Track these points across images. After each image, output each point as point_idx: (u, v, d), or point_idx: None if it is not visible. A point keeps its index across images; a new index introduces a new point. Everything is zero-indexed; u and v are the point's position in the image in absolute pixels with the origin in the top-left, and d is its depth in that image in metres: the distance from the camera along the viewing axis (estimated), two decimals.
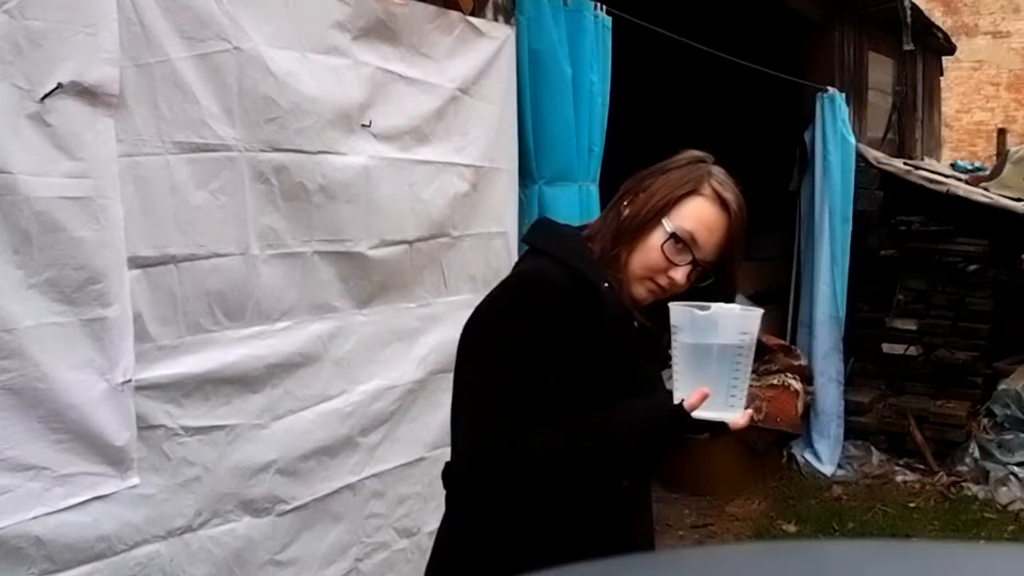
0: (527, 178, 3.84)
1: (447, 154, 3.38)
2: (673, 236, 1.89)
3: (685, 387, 1.78)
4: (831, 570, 0.83)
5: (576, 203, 3.97)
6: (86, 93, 2.25)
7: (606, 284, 1.87)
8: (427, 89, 3.28)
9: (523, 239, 2.02)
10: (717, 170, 1.97)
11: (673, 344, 1.79)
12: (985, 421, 6.39)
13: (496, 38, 3.60)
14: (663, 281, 1.90)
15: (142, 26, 2.40)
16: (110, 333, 2.32)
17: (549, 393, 1.81)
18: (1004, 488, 5.98)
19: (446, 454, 3.32)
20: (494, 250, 3.65)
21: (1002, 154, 9.18)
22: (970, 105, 16.83)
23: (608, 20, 4.08)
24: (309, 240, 2.88)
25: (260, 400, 2.78)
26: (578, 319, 1.84)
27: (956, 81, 15.65)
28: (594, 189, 4.09)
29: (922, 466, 6.45)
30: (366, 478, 3.14)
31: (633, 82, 5.15)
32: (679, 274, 1.90)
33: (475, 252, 3.56)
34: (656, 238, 1.90)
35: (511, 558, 1.89)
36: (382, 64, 3.09)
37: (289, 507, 2.88)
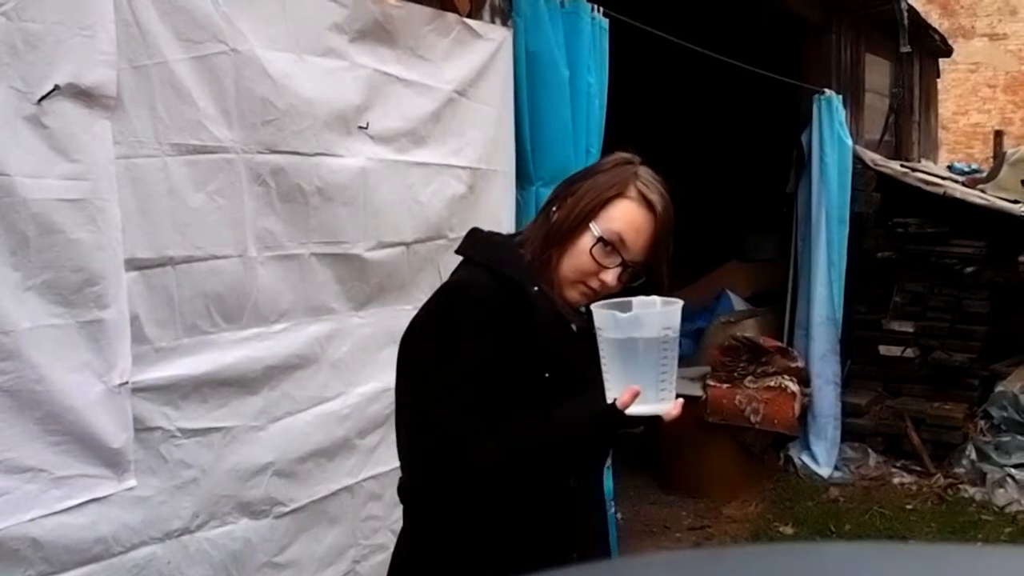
0: (524, 180, 3.84)
1: (444, 156, 3.39)
2: (601, 239, 1.91)
3: (615, 385, 1.81)
4: (828, 572, 0.83)
5: None
6: (83, 95, 2.25)
7: (536, 288, 1.91)
8: (424, 91, 3.29)
9: (456, 250, 2.04)
10: (644, 171, 1.98)
11: (600, 343, 1.82)
12: (982, 423, 6.39)
13: (493, 40, 3.60)
14: (594, 284, 1.93)
15: (139, 28, 2.40)
16: (107, 335, 2.32)
17: (485, 401, 1.84)
18: (1001, 490, 5.98)
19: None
20: None
21: (999, 156, 9.20)
22: (967, 107, 16.85)
23: (605, 22, 4.08)
24: (306, 242, 2.88)
25: (257, 402, 2.77)
26: (509, 325, 1.86)
27: (953, 83, 15.67)
28: None
29: (919, 468, 6.45)
30: (364, 480, 3.14)
31: (630, 84, 5.15)
32: (609, 276, 1.92)
33: None
34: (585, 242, 1.92)
35: (463, 565, 1.93)
36: (379, 66, 3.09)
37: (287, 509, 2.88)
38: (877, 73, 8.17)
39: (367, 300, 3.12)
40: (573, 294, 1.95)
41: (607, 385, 1.83)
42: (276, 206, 2.77)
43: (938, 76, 10.65)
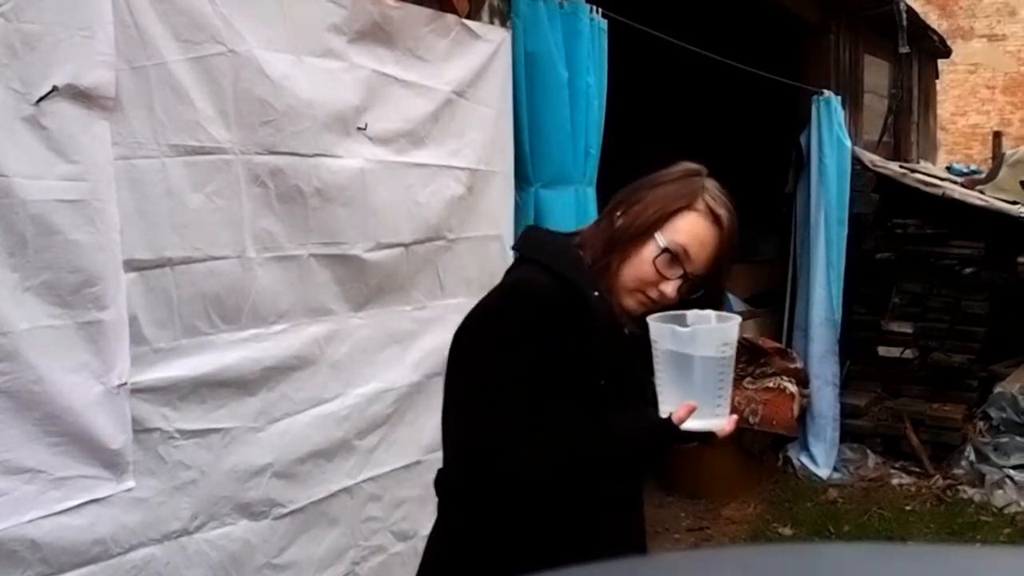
0: (523, 181, 3.84)
1: (443, 157, 3.38)
2: (665, 250, 1.90)
3: (669, 398, 1.80)
4: (827, 573, 0.83)
5: (572, 206, 3.96)
6: (82, 96, 2.25)
7: (596, 293, 1.88)
8: (423, 92, 3.28)
9: (513, 247, 2.02)
10: (711, 183, 1.97)
11: (655, 355, 1.80)
12: (981, 424, 6.39)
13: (492, 41, 3.60)
14: (653, 294, 1.91)
15: (137, 29, 2.40)
16: (106, 336, 2.32)
17: (537, 402, 1.82)
18: (1000, 491, 5.98)
19: (442, 458, 3.31)
20: (490, 253, 3.65)
21: (998, 157, 9.20)
22: (966, 108, 16.85)
23: (604, 23, 4.08)
24: (305, 243, 2.88)
25: (256, 403, 2.77)
26: (566, 327, 1.84)
27: (952, 84, 15.68)
28: (591, 192, 4.09)
29: (918, 469, 6.45)
30: (363, 481, 3.14)
31: (629, 85, 5.15)
32: (670, 288, 1.91)
33: (471, 255, 3.56)
34: (649, 251, 1.90)
35: (500, 564, 1.91)
36: (378, 67, 3.09)
37: (286, 510, 2.88)
38: (876, 74, 8.18)
39: (366, 301, 3.12)
40: (630, 302, 1.93)
41: (660, 398, 1.81)
42: (275, 207, 2.77)
43: (937, 77, 10.66)
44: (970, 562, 0.85)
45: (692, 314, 1.86)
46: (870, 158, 7.20)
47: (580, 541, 1.87)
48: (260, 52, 2.69)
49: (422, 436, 3.33)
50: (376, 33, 3.08)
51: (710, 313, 1.88)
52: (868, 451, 6.65)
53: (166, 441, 2.54)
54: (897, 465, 6.56)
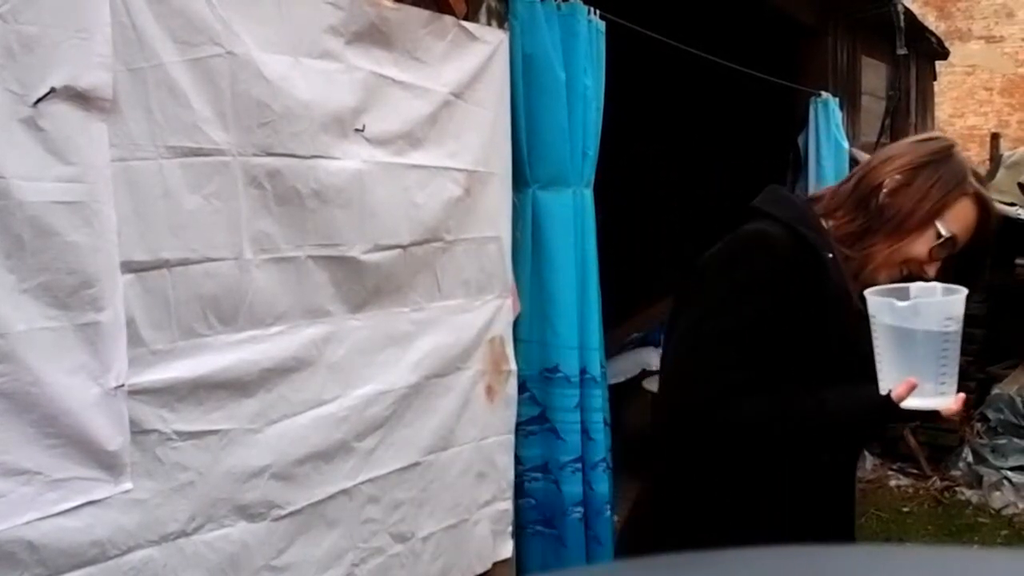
0: (521, 182, 3.84)
1: (441, 158, 3.38)
2: (947, 239, 1.90)
3: (889, 375, 1.75)
4: (825, 574, 0.83)
5: (570, 208, 3.96)
6: (79, 97, 2.24)
7: (831, 255, 1.86)
8: (421, 94, 3.28)
9: (751, 203, 1.99)
10: (965, 160, 1.98)
11: (873, 329, 1.76)
12: (979, 426, 6.40)
13: (489, 43, 3.60)
14: (914, 270, 1.91)
15: (135, 31, 2.40)
16: (103, 338, 2.32)
17: (762, 353, 1.80)
18: (997, 493, 5.99)
19: (442, 458, 3.32)
20: (488, 254, 3.65)
21: (995, 159, 9.20)
22: (963, 110, 16.87)
23: (602, 24, 4.08)
24: (303, 245, 2.88)
25: (254, 405, 2.77)
26: (799, 283, 1.82)
27: (949, 86, 15.69)
28: (588, 193, 4.09)
29: (916, 470, 6.46)
30: (362, 483, 3.13)
31: (627, 87, 5.15)
32: (933, 270, 1.91)
33: (469, 257, 3.55)
34: (928, 237, 1.90)
35: (706, 520, 1.90)
36: (375, 68, 3.09)
37: (284, 512, 2.87)
38: (873, 75, 8.18)
39: (364, 303, 3.12)
40: (881, 275, 1.91)
41: (880, 375, 1.77)
42: (272, 208, 2.77)
43: (935, 78, 10.65)
44: (967, 564, 0.85)
45: (916, 287, 1.82)
46: (868, 159, 7.19)
47: (789, 506, 1.87)
48: (258, 54, 2.69)
49: (421, 438, 3.33)
50: (373, 35, 3.08)
51: (936, 286, 1.84)
52: (866, 452, 6.65)
53: (164, 443, 2.53)
54: (895, 466, 6.56)
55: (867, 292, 1.77)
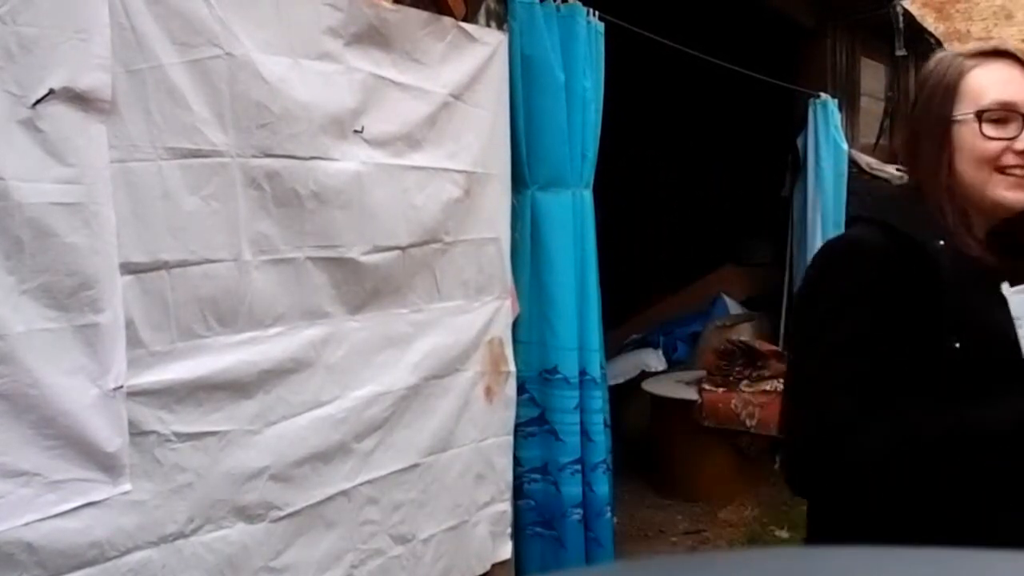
0: (520, 184, 3.84)
1: (440, 160, 3.38)
2: (978, 116, 1.70)
3: None
4: (825, 574, 0.83)
5: (569, 209, 3.97)
6: (78, 99, 2.24)
7: (939, 243, 1.67)
8: (420, 95, 3.28)
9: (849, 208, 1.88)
10: (964, 47, 1.82)
11: (1020, 334, 1.59)
12: None
13: (489, 44, 3.61)
14: (1010, 160, 1.69)
15: (134, 32, 2.40)
16: (102, 339, 2.32)
17: (876, 375, 1.60)
18: None
19: (441, 460, 3.32)
20: (487, 256, 3.65)
21: None
22: None
23: (601, 26, 4.08)
24: (301, 246, 2.88)
25: (253, 406, 2.77)
26: (903, 285, 1.64)
27: None
28: (587, 194, 4.09)
29: None
30: (360, 484, 3.13)
31: (626, 88, 5.16)
32: (1020, 143, 1.68)
33: (468, 258, 3.55)
34: (966, 135, 1.71)
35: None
36: (374, 70, 3.09)
37: (283, 513, 2.87)
38: (872, 77, 8.18)
39: (363, 304, 3.12)
40: (999, 190, 1.69)
41: None
42: (271, 210, 2.77)
43: None
44: (967, 565, 0.85)
45: None
46: (867, 161, 7.20)
47: (979, 526, 1.55)
48: (257, 55, 2.69)
49: (420, 439, 3.33)
50: (372, 36, 3.08)
51: None
52: None
53: (162, 444, 2.53)
54: None
55: (1008, 292, 1.60)
